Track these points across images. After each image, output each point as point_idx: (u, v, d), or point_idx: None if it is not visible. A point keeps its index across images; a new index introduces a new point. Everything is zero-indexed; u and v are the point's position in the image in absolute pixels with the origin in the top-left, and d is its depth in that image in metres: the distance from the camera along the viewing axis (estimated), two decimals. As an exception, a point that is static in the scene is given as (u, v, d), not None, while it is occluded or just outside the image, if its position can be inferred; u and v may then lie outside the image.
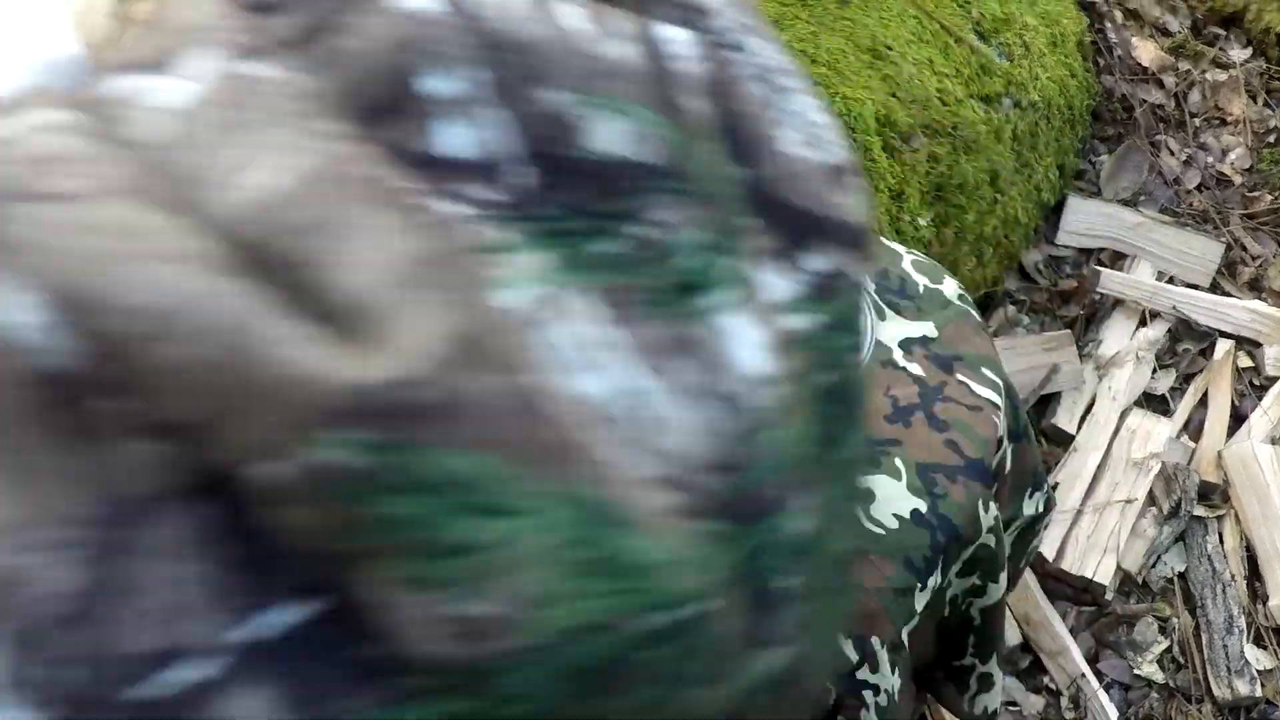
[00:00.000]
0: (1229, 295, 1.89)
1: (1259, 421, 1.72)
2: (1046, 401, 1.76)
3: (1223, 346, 1.81)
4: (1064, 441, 1.71)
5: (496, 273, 0.28)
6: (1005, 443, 1.16)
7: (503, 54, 0.29)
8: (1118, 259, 1.93)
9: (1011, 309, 1.86)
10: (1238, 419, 1.76)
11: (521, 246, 0.28)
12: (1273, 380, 1.79)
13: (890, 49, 1.68)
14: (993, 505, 1.08)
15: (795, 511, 0.29)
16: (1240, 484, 1.63)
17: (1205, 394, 1.78)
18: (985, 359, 1.16)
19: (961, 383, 1.13)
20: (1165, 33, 2.17)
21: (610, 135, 0.29)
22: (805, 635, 0.30)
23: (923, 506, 1.04)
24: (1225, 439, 1.71)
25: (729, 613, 0.29)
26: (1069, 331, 1.77)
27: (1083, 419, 1.73)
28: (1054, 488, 1.64)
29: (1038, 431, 1.74)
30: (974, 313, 1.20)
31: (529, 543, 0.27)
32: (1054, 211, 1.96)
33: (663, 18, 0.32)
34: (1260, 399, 1.77)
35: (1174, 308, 1.83)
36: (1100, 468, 1.66)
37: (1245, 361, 1.82)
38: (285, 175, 0.28)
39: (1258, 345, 1.83)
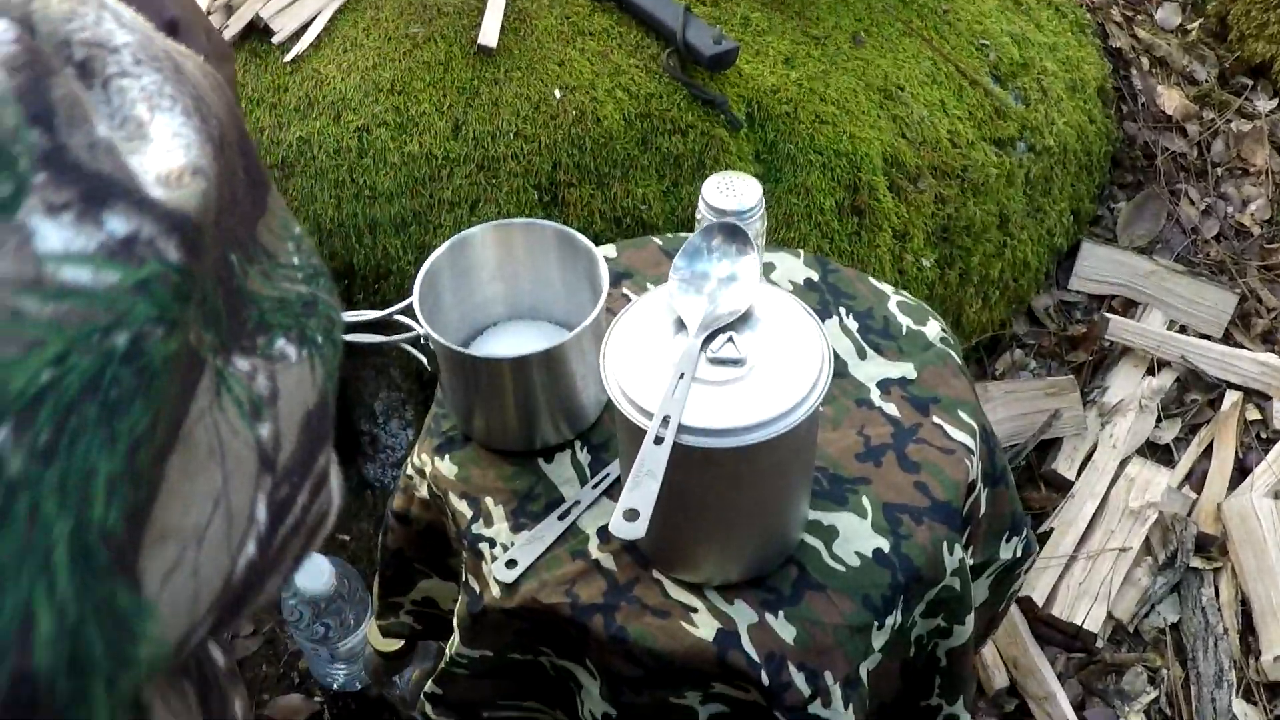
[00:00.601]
0: (1241, 347, 1.88)
1: (1263, 475, 1.71)
2: (1047, 446, 1.76)
3: (1230, 398, 1.80)
4: (1063, 487, 1.71)
5: None
6: (979, 487, 1.17)
7: None
8: (1129, 306, 1.93)
9: (1019, 352, 1.86)
10: (1242, 472, 1.75)
11: None
12: (1280, 435, 1.78)
13: (902, 90, 1.69)
14: (958, 548, 1.08)
15: None
16: (1238, 537, 1.62)
17: (1211, 445, 1.77)
18: (963, 402, 1.17)
19: (936, 425, 1.14)
20: (1192, 81, 2.17)
21: None
22: None
23: (885, 546, 1.05)
24: (1227, 491, 1.70)
25: None
26: (1072, 378, 1.77)
27: (1083, 465, 1.73)
28: (1047, 533, 1.65)
29: (1037, 476, 1.74)
30: (955, 355, 1.21)
31: None
32: (1067, 257, 1.96)
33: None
34: (1266, 452, 1.75)
35: (1183, 357, 1.83)
36: (1097, 515, 1.65)
37: (1254, 414, 1.81)
38: None
39: (1267, 399, 1.82)
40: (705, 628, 1.00)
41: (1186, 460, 1.75)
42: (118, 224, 0.30)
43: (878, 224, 1.60)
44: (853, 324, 1.23)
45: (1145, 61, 2.15)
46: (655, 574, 1.04)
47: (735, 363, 0.89)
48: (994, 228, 1.76)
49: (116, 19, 0.35)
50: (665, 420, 0.86)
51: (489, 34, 1.54)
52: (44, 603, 0.28)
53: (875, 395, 1.16)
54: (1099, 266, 1.94)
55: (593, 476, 1.11)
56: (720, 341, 0.90)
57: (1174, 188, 2.05)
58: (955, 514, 1.09)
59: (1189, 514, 1.68)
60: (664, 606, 1.02)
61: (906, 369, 1.19)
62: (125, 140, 0.32)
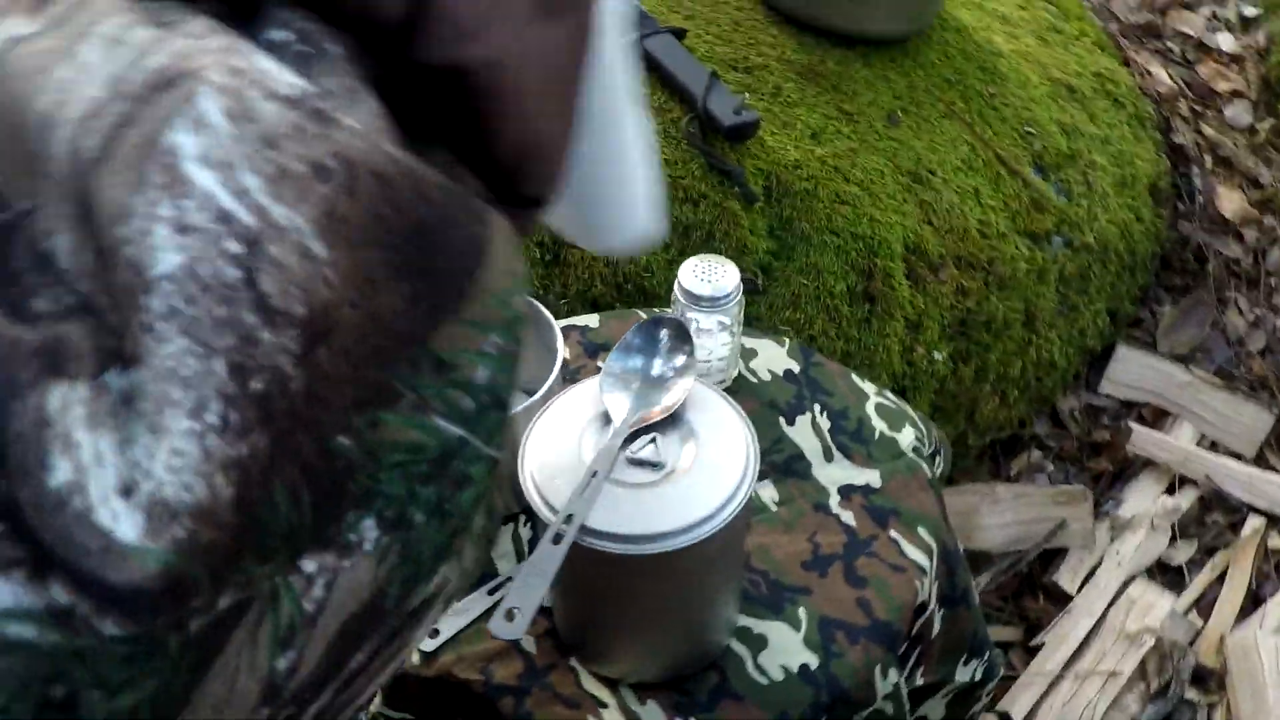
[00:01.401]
0: (1273, 470, 1.80)
1: (1276, 609, 1.63)
2: (1053, 556, 1.69)
3: (1253, 523, 1.72)
4: (1063, 600, 1.65)
5: None
6: (932, 607, 1.12)
7: None
8: (1160, 416, 1.86)
9: (1037, 454, 1.80)
10: (1256, 602, 1.67)
11: None
12: (1303, 567, 1.70)
13: (934, 174, 1.65)
14: (893, 672, 1.04)
15: None
16: (1238, 672, 1.55)
17: (1226, 571, 1.69)
18: (925, 518, 1.12)
19: (893, 540, 1.10)
20: (1255, 184, 2.09)
21: None
22: None
23: (814, 662, 1.01)
24: (1235, 622, 1.63)
25: None
26: (1084, 488, 1.71)
27: (1087, 580, 1.66)
28: (1039, 646, 1.59)
29: (1037, 585, 1.68)
30: (926, 467, 1.17)
31: None
32: (1100, 358, 1.90)
33: None
34: (1285, 585, 1.67)
35: (1207, 476, 1.75)
36: (1092, 634, 1.59)
37: (1277, 542, 1.73)
38: None
39: (1295, 527, 1.74)
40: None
41: (1198, 585, 1.68)
42: (58, 593, 0.28)
43: (890, 312, 1.56)
44: (825, 423, 1.19)
45: (1209, 160, 2.08)
46: (573, 662, 1.01)
47: (654, 466, 0.86)
48: (1019, 324, 1.70)
49: (185, 192, 0.29)
50: (569, 519, 0.83)
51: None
52: None
53: (834, 501, 1.12)
54: (1133, 372, 1.87)
55: (530, 553, 1.09)
56: (642, 442, 0.87)
57: (1223, 295, 1.97)
58: (895, 636, 1.05)
59: (1191, 642, 1.61)
60: (575, 697, 0.99)
61: (872, 476, 1.14)
62: (85, 470, 0.28)
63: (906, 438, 1.18)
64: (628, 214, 0.66)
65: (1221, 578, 1.69)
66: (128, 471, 0.29)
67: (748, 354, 1.24)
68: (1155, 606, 1.61)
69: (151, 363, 0.29)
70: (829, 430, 1.18)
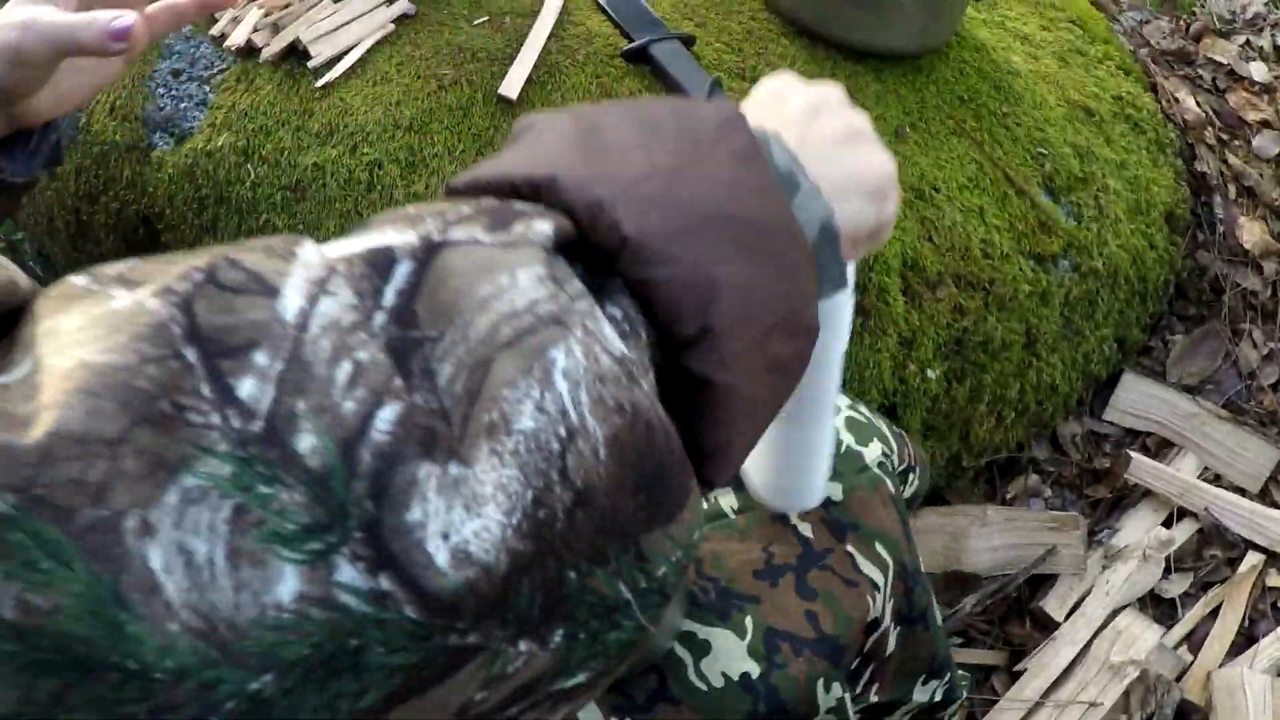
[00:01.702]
0: (1277, 507, 1.77)
1: (1269, 648, 1.60)
2: (1041, 582, 1.67)
3: (1251, 560, 1.69)
4: (1050, 627, 1.63)
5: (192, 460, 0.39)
6: (886, 624, 1.11)
7: None
8: (1165, 447, 1.83)
9: (1034, 478, 1.78)
10: (1250, 640, 1.64)
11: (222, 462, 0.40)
12: (1300, 606, 1.67)
13: (937, 191, 1.64)
14: (837, 686, 1.03)
15: None
16: (1222, 710, 1.52)
17: (1220, 607, 1.66)
18: (884, 535, 1.12)
19: (848, 554, 1.09)
20: (1279, 216, 2.05)
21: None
22: None
23: (755, 672, 1.01)
24: (1225, 659, 1.60)
25: None
26: (1077, 515, 1.68)
27: (1075, 608, 1.64)
28: (1021, 672, 1.57)
29: (1025, 611, 1.66)
30: (889, 484, 1.16)
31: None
32: (1106, 385, 1.87)
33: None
34: (1280, 624, 1.64)
35: (1206, 509, 1.72)
36: (1076, 662, 1.57)
37: (1275, 580, 1.70)
38: None
39: (1295, 566, 1.70)
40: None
41: (1190, 619, 1.65)
42: (384, 581, 0.41)
43: (882, 327, 1.55)
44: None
45: (1232, 190, 2.04)
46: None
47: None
48: (1018, 346, 1.68)
49: (548, 390, 0.45)
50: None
51: (512, 85, 1.54)
52: None
53: (794, 513, 1.12)
54: (1138, 400, 1.85)
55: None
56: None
57: (1237, 327, 1.94)
58: (841, 651, 1.04)
59: (1179, 677, 1.58)
60: (515, 697, 0.99)
61: (834, 489, 1.14)
62: (429, 517, 0.42)
63: (873, 453, 1.18)
64: (811, 492, 1.01)
65: (1215, 613, 1.66)
66: (448, 526, 0.42)
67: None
68: (1142, 638, 1.58)
69: (484, 471, 0.43)
70: (795, 442, 1.17)
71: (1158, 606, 1.67)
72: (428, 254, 0.46)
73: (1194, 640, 1.64)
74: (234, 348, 0.41)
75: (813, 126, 0.64)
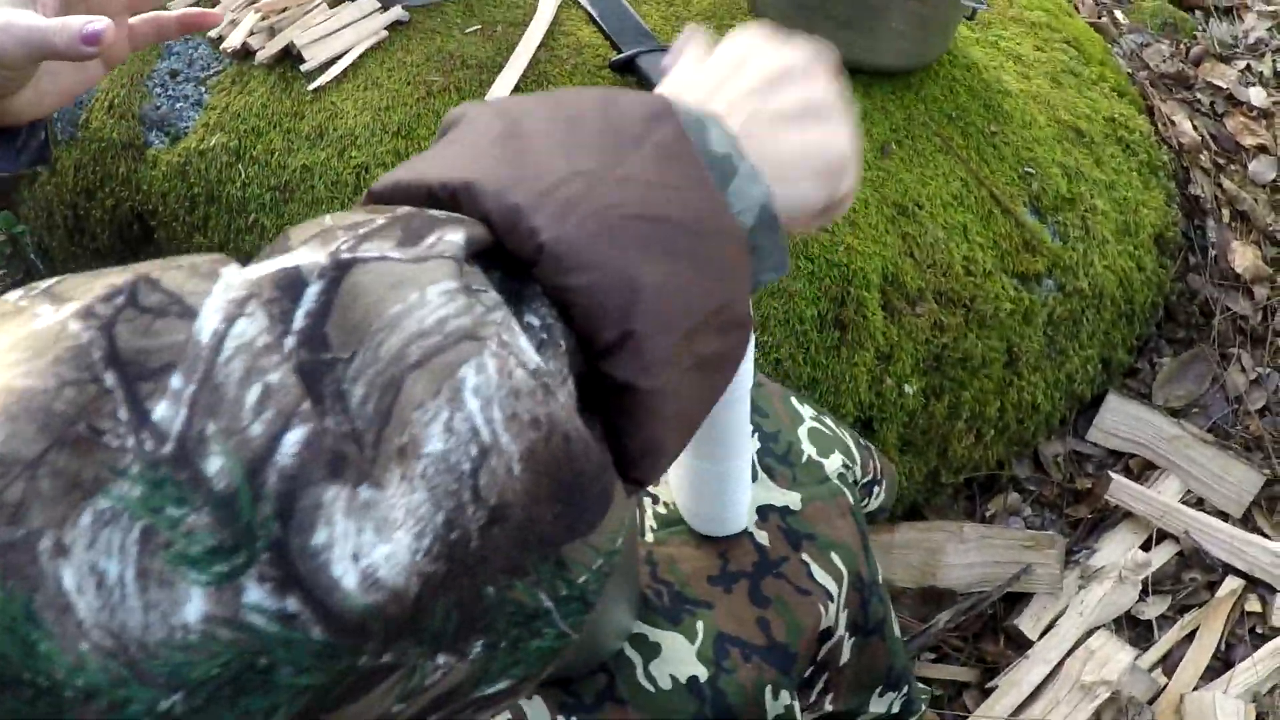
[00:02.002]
0: (1259, 533, 1.76)
1: (1243, 673, 1.60)
2: (1017, 600, 1.67)
3: (1230, 584, 1.69)
4: (1023, 645, 1.63)
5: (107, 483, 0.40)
6: (840, 634, 1.12)
7: None
8: (1148, 469, 1.83)
9: (1015, 496, 1.78)
10: (1227, 665, 1.63)
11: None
12: (1277, 632, 1.66)
13: (920, 208, 1.65)
14: (785, 694, 1.04)
15: None
16: (1192, 734, 1.52)
17: (1196, 631, 1.66)
18: (840, 545, 1.12)
19: (803, 563, 1.10)
20: (1273, 241, 2.05)
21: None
22: None
23: (703, 675, 1.01)
24: (1198, 682, 1.59)
25: None
26: (1053, 534, 1.68)
27: (1049, 627, 1.64)
28: (992, 689, 1.57)
29: (999, 628, 1.66)
30: (849, 495, 1.17)
31: None
32: (1091, 406, 1.87)
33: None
34: (1257, 649, 1.64)
35: (1186, 533, 1.72)
36: (1047, 681, 1.57)
37: (1254, 606, 1.69)
38: None
39: (1274, 591, 1.70)
40: (495, 717, 0.99)
41: (1166, 642, 1.65)
42: (291, 603, 0.41)
43: (860, 341, 1.56)
44: (755, 444, 1.19)
45: (1226, 214, 2.04)
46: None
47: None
48: (998, 364, 1.69)
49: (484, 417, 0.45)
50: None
51: (499, 93, 1.55)
52: None
53: (752, 520, 1.13)
54: (1122, 422, 1.85)
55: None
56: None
57: (1226, 351, 1.94)
58: (791, 658, 1.05)
59: (1151, 700, 1.58)
60: (464, 693, 1.01)
61: (793, 499, 1.15)
62: (337, 539, 0.42)
63: (833, 464, 1.18)
64: (732, 520, 1.08)
65: (1191, 637, 1.66)
66: (357, 548, 0.42)
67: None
68: (1114, 659, 1.58)
69: (394, 494, 0.43)
70: (757, 451, 1.18)
71: (1134, 628, 1.67)
72: (338, 272, 0.46)
73: (1169, 663, 1.63)
74: (152, 370, 0.41)
75: (769, 100, 0.62)
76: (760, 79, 0.63)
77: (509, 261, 0.51)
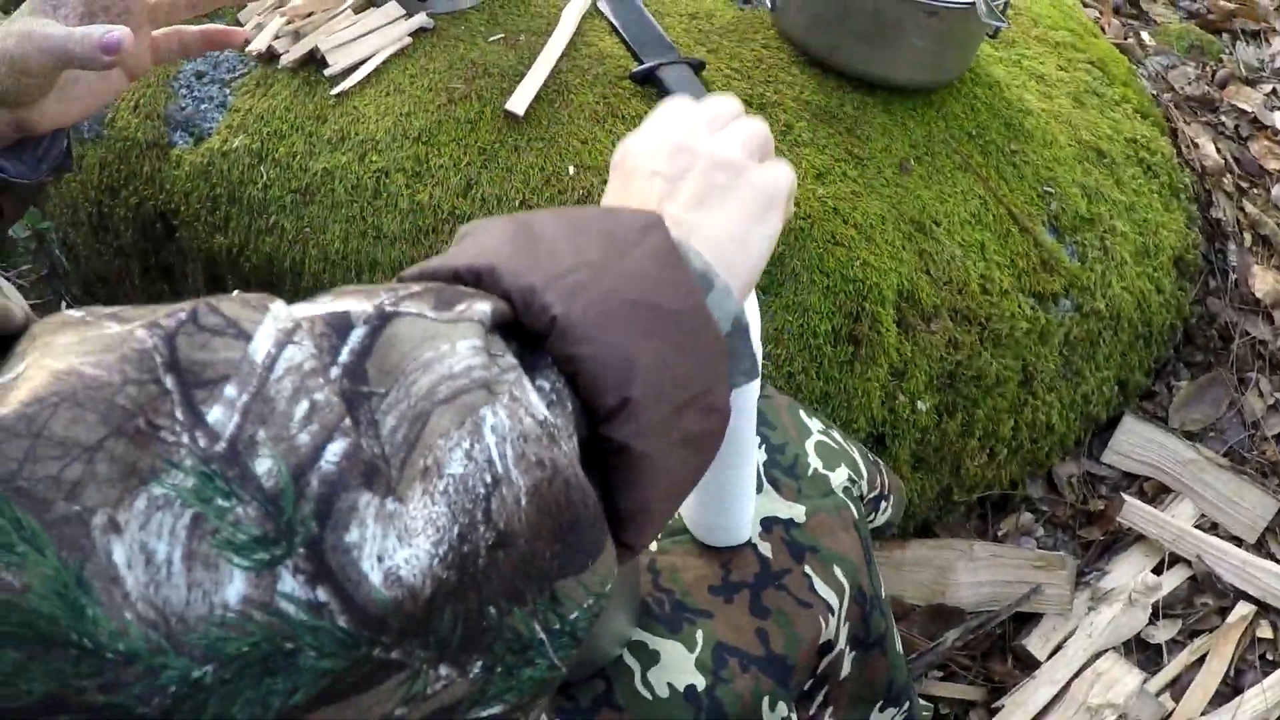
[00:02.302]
0: (1272, 559, 1.75)
1: (1252, 700, 1.58)
2: (1026, 621, 1.67)
3: (1241, 610, 1.68)
4: (1031, 666, 1.62)
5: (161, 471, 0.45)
6: (841, 647, 1.12)
7: None
8: (1162, 492, 1.82)
9: (1027, 516, 1.78)
10: (1235, 690, 1.62)
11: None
12: (1289, 660, 1.65)
13: (938, 225, 1.65)
14: (782, 705, 1.04)
15: None
16: (1199, 762, 1.51)
17: (1205, 656, 1.65)
18: (842, 558, 1.12)
19: (806, 575, 1.10)
20: (1294, 268, 2.04)
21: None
22: None
23: (701, 684, 1.02)
24: (1206, 708, 1.58)
25: None
26: (1064, 555, 1.68)
27: (1058, 648, 1.63)
28: (997, 709, 1.56)
29: (1007, 649, 1.65)
30: (853, 509, 1.17)
31: None
32: (1107, 427, 1.87)
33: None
34: (1267, 675, 1.62)
35: (1199, 557, 1.71)
36: (1053, 703, 1.56)
37: (1265, 632, 1.68)
38: None
39: (1287, 618, 1.69)
40: (492, 725, 0.99)
41: (1175, 666, 1.64)
42: (321, 593, 0.46)
43: (874, 357, 1.56)
44: (761, 455, 1.19)
45: (1247, 238, 2.03)
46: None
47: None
48: (1013, 383, 1.68)
49: (499, 441, 0.51)
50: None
51: (519, 101, 1.56)
52: None
53: (755, 532, 1.13)
54: (1137, 444, 1.84)
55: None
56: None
57: (1244, 376, 1.93)
58: (789, 670, 1.05)
59: (1158, 724, 1.57)
60: (462, 695, 1.01)
61: (797, 511, 1.15)
62: (366, 540, 0.47)
63: (839, 477, 1.19)
64: (734, 531, 1.09)
65: (1201, 662, 1.65)
66: (382, 550, 0.47)
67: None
68: (1121, 682, 1.57)
69: (417, 507, 0.48)
70: (764, 463, 1.18)
71: (1143, 652, 1.66)
72: (381, 321, 0.52)
73: (1177, 688, 1.62)
74: (208, 380, 0.47)
75: (682, 190, 0.69)
76: (667, 168, 0.71)
77: (524, 336, 0.58)
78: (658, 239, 0.62)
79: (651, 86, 1.63)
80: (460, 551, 0.50)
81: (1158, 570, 1.72)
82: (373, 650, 0.48)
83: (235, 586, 0.45)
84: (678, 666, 1.03)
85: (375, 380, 0.51)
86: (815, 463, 1.20)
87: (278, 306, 0.51)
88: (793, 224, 1.55)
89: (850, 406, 1.55)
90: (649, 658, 1.03)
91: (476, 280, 0.58)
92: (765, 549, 1.12)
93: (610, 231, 0.62)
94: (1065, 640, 1.64)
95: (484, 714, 0.55)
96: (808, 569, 1.11)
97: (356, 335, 0.52)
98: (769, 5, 1.76)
